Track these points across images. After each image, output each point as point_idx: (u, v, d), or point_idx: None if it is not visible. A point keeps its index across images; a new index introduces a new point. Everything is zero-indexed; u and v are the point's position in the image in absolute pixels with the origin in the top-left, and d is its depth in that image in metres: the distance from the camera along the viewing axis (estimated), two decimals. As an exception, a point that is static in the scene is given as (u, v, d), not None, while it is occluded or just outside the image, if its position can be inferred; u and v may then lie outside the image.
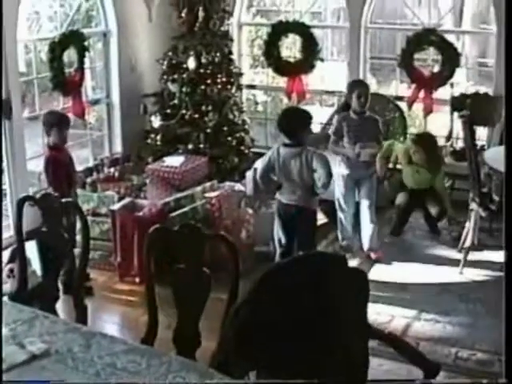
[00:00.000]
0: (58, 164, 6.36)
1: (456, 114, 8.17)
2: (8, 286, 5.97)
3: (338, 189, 7.10)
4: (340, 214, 7.20)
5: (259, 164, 6.34)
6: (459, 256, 6.90)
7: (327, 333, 2.99)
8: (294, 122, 6.01)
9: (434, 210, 7.55)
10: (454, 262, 6.92)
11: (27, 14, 10.58)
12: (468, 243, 6.81)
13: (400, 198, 7.65)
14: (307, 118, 6.04)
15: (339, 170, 7.01)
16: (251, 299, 2.99)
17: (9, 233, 7.14)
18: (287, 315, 2.98)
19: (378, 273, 6.81)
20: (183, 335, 3.87)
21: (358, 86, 7.03)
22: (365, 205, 7.08)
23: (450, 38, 8.51)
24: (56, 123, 6.36)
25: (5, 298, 4.65)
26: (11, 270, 6.12)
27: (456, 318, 5.98)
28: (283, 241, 6.22)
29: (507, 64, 3.49)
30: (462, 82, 11.48)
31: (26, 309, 3.90)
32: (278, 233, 6.27)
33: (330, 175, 5.91)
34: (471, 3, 13.37)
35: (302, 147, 5.94)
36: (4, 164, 7.52)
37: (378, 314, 5.90)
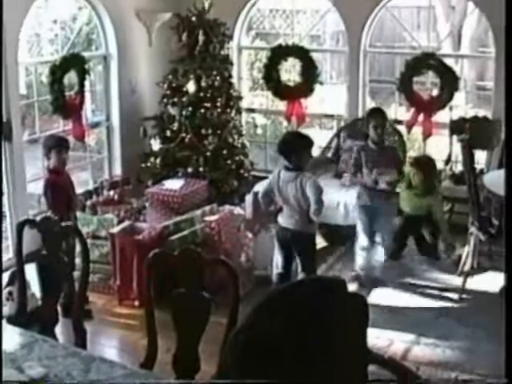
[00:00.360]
0: (58, 187, 6.36)
1: (455, 138, 8.21)
2: (7, 309, 5.96)
3: (358, 221, 7.14)
4: (357, 247, 7.23)
5: (261, 185, 6.37)
6: (459, 280, 6.89)
7: (327, 357, 2.99)
8: (293, 146, 6.03)
9: (428, 237, 7.50)
10: (453, 286, 6.92)
11: (28, 37, 10.64)
12: (467, 267, 6.81)
13: (396, 223, 7.64)
14: (307, 142, 6.07)
15: (358, 200, 7.05)
16: (250, 324, 2.98)
17: (8, 255, 7.17)
18: (287, 340, 2.97)
19: (378, 297, 6.80)
20: (183, 359, 3.86)
21: (375, 116, 6.96)
22: (378, 239, 7.10)
23: (449, 61, 8.55)
24: (55, 146, 6.38)
25: (3, 321, 4.64)
26: (10, 293, 6.11)
27: (456, 342, 5.97)
28: (280, 264, 6.26)
29: (507, 82, 3.50)
30: (461, 105, 11.50)
31: (25, 332, 3.89)
32: (276, 256, 6.30)
33: (319, 202, 5.91)
34: (470, 27, 13.43)
35: (299, 172, 5.96)
36: (4, 186, 7.53)
37: (378, 338, 5.89)
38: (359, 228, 7.10)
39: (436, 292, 6.96)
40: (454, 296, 6.77)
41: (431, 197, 7.22)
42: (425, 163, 7.45)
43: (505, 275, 3.57)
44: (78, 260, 5.83)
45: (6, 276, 6.50)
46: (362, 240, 7.08)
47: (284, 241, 6.19)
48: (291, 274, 6.24)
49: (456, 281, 6.97)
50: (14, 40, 7.34)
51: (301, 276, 6.11)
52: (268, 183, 6.21)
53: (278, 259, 6.33)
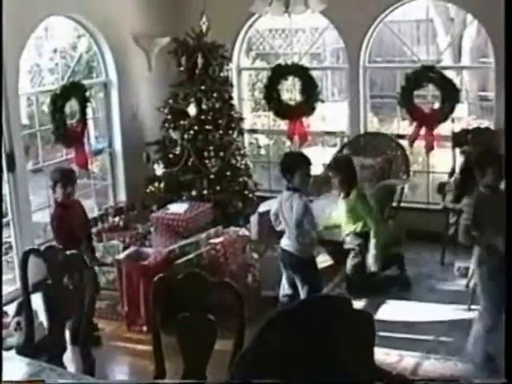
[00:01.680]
0: (64, 221, 6.27)
1: (458, 150, 8.20)
2: (15, 339, 5.97)
3: None
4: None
5: (267, 205, 6.37)
6: (468, 292, 6.85)
7: (334, 375, 2.97)
8: (289, 166, 6.06)
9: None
10: (462, 299, 6.87)
11: (29, 67, 10.70)
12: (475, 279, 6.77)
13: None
14: (302, 161, 6.08)
15: None
16: (257, 345, 2.97)
17: (15, 286, 7.17)
18: (293, 359, 2.95)
19: (386, 312, 6.77)
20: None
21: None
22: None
23: (450, 73, 8.54)
24: (60, 180, 6.28)
25: (12, 352, 4.64)
26: (18, 323, 6.11)
27: (467, 355, 5.91)
28: (286, 285, 6.26)
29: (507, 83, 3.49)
30: (464, 117, 11.51)
31: (32, 362, 3.90)
32: (283, 277, 6.31)
33: (300, 225, 5.90)
34: (469, 38, 13.44)
35: (293, 192, 5.96)
36: (9, 216, 7.56)
37: (387, 354, 5.86)
38: None
39: (445, 305, 6.91)
40: (464, 308, 6.73)
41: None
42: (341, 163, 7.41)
43: (505, 275, 3.56)
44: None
45: (13, 306, 6.52)
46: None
47: (285, 262, 6.19)
48: (298, 295, 6.21)
49: (465, 293, 6.93)
50: (15, 71, 7.39)
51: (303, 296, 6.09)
52: (277, 202, 6.25)
53: (283, 280, 6.33)
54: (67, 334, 4.64)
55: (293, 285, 6.19)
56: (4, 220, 7.63)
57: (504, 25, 3.84)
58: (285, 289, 6.33)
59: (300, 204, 5.93)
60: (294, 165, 6.06)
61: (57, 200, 6.38)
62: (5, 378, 3.62)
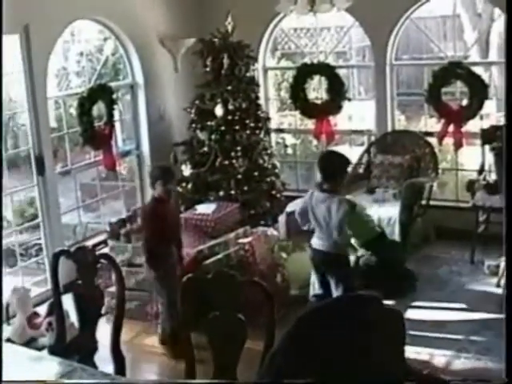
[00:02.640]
0: (157, 216, 6.23)
1: (487, 147, 8.13)
2: (47, 339, 6.02)
3: None
4: None
5: (295, 204, 6.29)
6: (498, 291, 6.80)
7: (364, 375, 2.96)
8: (335, 167, 5.91)
9: None
10: (492, 298, 6.81)
11: (56, 71, 10.77)
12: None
13: None
14: (346, 163, 5.96)
15: None
16: (287, 345, 2.97)
17: (46, 287, 7.24)
18: (323, 359, 2.95)
19: (416, 311, 6.74)
20: (221, 383, 3.86)
21: None
22: None
23: (478, 69, 8.46)
24: (160, 178, 6.28)
25: (44, 352, 4.69)
26: (50, 324, 6.15)
27: (498, 355, 5.86)
28: (316, 285, 6.21)
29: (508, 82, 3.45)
30: (493, 113, 11.41)
31: (64, 362, 3.93)
32: (313, 276, 6.27)
33: (341, 226, 5.81)
34: (497, 33, 13.30)
35: (330, 193, 5.88)
36: (39, 219, 7.63)
37: (418, 352, 5.83)
38: None
39: (476, 304, 6.87)
40: (495, 307, 6.67)
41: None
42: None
43: (505, 275, 3.52)
44: (113, 288, 5.88)
45: (45, 307, 6.57)
46: None
47: (317, 262, 6.13)
48: (328, 295, 6.16)
49: (496, 292, 6.88)
50: (43, 75, 7.47)
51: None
52: (303, 202, 6.14)
53: (314, 280, 6.29)
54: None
55: (324, 285, 6.12)
56: (34, 222, 7.70)
57: (504, 24, 3.80)
58: (315, 288, 6.30)
59: (345, 208, 5.77)
60: (337, 165, 5.92)
61: (154, 195, 6.38)
62: (39, 377, 3.67)
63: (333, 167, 5.92)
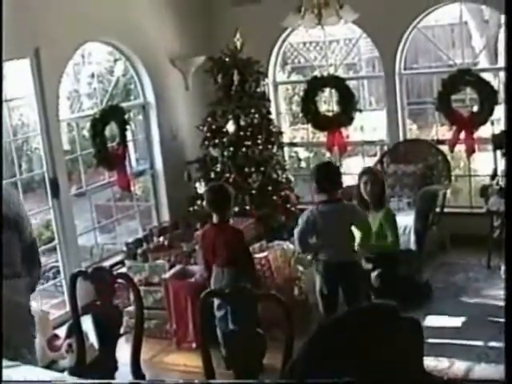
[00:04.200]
0: (213, 243, 6.14)
1: (499, 152, 8.13)
2: (67, 361, 6.05)
3: None
4: None
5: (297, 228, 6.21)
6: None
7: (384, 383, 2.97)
8: (336, 177, 6.02)
9: None
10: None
11: (67, 93, 10.85)
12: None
13: None
14: (336, 172, 6.09)
15: None
16: (306, 355, 2.98)
17: (65, 309, 7.27)
18: (343, 369, 2.96)
19: (434, 319, 6.72)
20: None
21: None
22: None
23: (487, 75, 8.47)
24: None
25: (65, 374, 4.71)
26: (70, 345, 6.19)
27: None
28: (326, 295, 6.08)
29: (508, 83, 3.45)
30: (503, 119, 11.39)
31: (85, 382, 3.94)
32: (322, 288, 6.10)
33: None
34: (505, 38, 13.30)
35: (338, 203, 5.93)
36: (56, 241, 7.67)
37: (438, 360, 5.81)
38: None
39: (493, 309, 6.84)
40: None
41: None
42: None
43: (505, 274, 3.52)
44: (132, 308, 5.91)
45: (64, 329, 6.60)
46: None
47: (329, 274, 5.99)
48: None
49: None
50: (55, 98, 7.51)
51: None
52: (304, 222, 6.01)
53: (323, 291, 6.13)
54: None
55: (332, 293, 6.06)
56: (51, 245, 7.75)
57: (505, 25, 3.81)
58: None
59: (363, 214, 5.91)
60: (336, 175, 6.04)
61: (212, 221, 6.25)
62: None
63: (336, 176, 6.03)
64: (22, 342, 4.67)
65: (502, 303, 6.84)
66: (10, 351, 4.18)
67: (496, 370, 5.72)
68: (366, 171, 6.92)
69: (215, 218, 6.11)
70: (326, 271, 6.00)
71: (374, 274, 6.53)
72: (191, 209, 8.70)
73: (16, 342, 4.48)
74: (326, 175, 6.01)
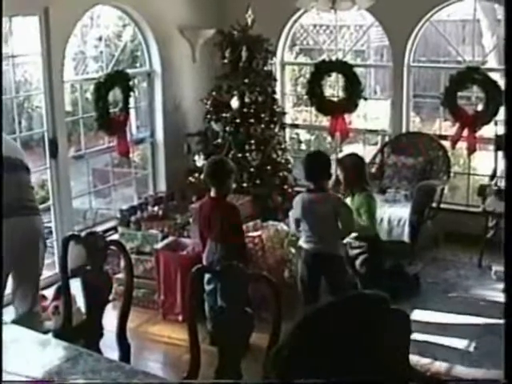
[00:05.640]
0: (209, 216, 6.14)
1: (500, 153, 8.12)
2: (52, 323, 6.04)
3: None
4: None
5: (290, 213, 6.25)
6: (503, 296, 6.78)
7: (369, 375, 2.97)
8: (327, 166, 5.96)
9: None
10: (498, 304, 6.80)
11: (73, 55, 10.78)
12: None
13: None
14: (326, 162, 6.00)
15: None
16: (292, 341, 2.98)
17: (54, 270, 7.26)
18: (329, 358, 2.96)
19: (420, 313, 6.74)
20: (225, 374, 3.86)
21: None
22: None
23: (495, 75, 8.45)
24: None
25: (49, 335, 4.71)
26: (56, 307, 6.19)
27: (501, 360, 5.86)
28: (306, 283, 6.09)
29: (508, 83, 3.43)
30: (508, 120, 11.37)
31: (70, 346, 3.94)
32: (303, 275, 6.12)
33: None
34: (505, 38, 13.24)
35: (326, 192, 5.91)
36: (50, 201, 7.65)
37: (421, 355, 5.82)
38: None
39: (481, 308, 6.86)
40: (500, 313, 6.66)
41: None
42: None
43: (505, 274, 3.51)
44: (121, 275, 5.91)
45: (52, 290, 6.60)
46: None
47: (311, 264, 6.01)
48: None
49: (501, 297, 6.87)
50: (60, 58, 7.46)
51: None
52: (295, 208, 6.06)
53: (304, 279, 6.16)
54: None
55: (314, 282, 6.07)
56: (45, 205, 7.72)
57: (505, 24, 3.78)
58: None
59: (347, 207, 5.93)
60: (325, 166, 5.97)
61: (210, 194, 6.22)
62: (43, 361, 3.68)
63: (328, 165, 5.97)
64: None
65: (489, 303, 6.91)
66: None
67: (478, 370, 5.74)
68: (338, 161, 6.86)
69: (213, 192, 6.09)
70: (305, 259, 6.05)
71: (358, 261, 6.51)
72: (188, 181, 8.67)
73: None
74: (315, 164, 5.97)
